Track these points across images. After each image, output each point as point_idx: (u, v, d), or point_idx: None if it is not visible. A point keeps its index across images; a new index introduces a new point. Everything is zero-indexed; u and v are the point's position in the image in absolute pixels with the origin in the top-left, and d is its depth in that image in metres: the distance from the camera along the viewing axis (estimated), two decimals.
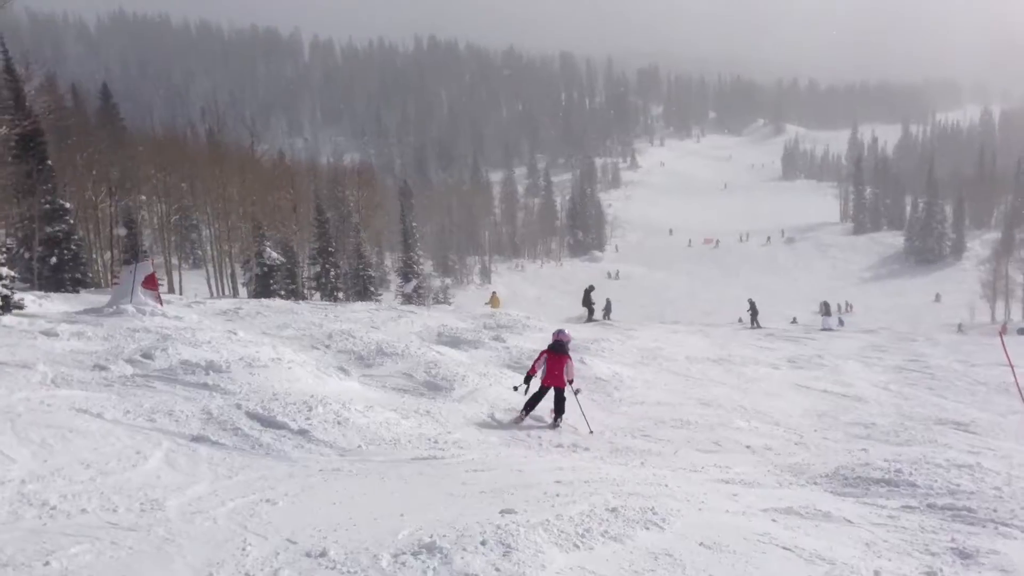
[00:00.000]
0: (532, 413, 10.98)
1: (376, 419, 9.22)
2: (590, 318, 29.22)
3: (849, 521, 6.42)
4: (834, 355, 20.98)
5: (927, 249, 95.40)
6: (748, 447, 10.37)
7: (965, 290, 73.00)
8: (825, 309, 38.47)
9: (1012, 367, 10.23)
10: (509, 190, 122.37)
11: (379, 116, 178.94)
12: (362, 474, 7.22)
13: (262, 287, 38.89)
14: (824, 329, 34.58)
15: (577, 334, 20.41)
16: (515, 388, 11.31)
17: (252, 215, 43.56)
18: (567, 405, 11.06)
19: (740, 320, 47.79)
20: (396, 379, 12.85)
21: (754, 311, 35.84)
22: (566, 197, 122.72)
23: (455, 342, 17.33)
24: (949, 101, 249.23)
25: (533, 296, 78.05)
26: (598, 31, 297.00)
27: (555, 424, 10.86)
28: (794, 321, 53.69)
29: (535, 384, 11.13)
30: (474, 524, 5.46)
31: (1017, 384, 10.10)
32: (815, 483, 8.13)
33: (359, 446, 8.25)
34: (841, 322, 48.04)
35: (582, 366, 15.80)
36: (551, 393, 11.07)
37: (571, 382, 11.12)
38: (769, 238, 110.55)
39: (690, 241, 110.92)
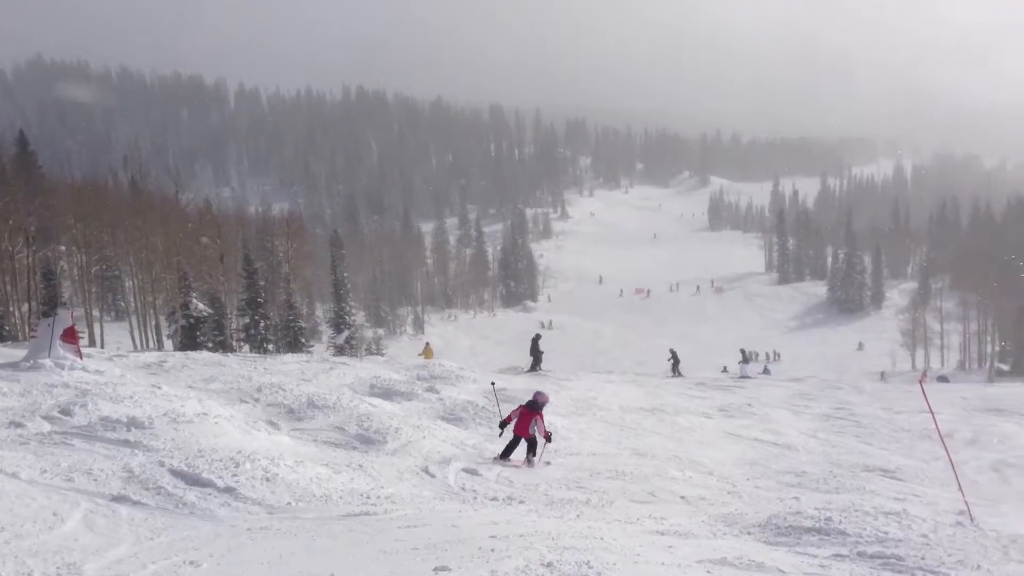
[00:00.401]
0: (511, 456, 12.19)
1: (307, 475, 8.99)
2: (535, 367, 28.98)
3: (782, 571, 6.42)
4: (764, 404, 21.30)
5: (849, 299, 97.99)
6: (682, 497, 10.39)
7: (886, 339, 75.06)
8: (743, 357, 38.85)
9: (933, 414, 10.46)
10: (441, 240, 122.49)
11: (307, 165, 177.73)
12: (292, 532, 7.00)
13: (188, 339, 37.94)
14: (742, 377, 34.98)
15: (511, 384, 20.41)
16: (500, 434, 12.84)
17: (177, 265, 42.66)
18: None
19: (724, 369, 48.27)
20: (328, 433, 12.59)
21: (675, 360, 36.18)
22: (498, 247, 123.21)
23: (388, 394, 17.11)
24: (864, 156, 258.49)
25: (466, 346, 77.85)
26: (526, 83, 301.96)
27: (529, 463, 12.04)
28: (724, 370, 54.44)
29: (508, 432, 12.45)
30: None
31: (938, 430, 10.33)
32: (748, 533, 8.15)
33: (289, 503, 8.02)
34: (767, 371, 48.90)
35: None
36: (524, 442, 12.34)
37: (534, 436, 12.25)
38: (699, 287, 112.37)
39: (621, 291, 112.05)
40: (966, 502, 9.10)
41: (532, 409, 12.32)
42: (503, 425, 12.47)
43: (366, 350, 54.12)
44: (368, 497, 8.65)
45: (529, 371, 28.39)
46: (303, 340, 45.30)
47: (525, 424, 12.21)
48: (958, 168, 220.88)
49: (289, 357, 25.38)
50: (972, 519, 8.67)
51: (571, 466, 12.29)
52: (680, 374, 32.62)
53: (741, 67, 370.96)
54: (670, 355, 36.76)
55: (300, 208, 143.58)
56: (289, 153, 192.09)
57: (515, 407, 12.81)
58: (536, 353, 29.16)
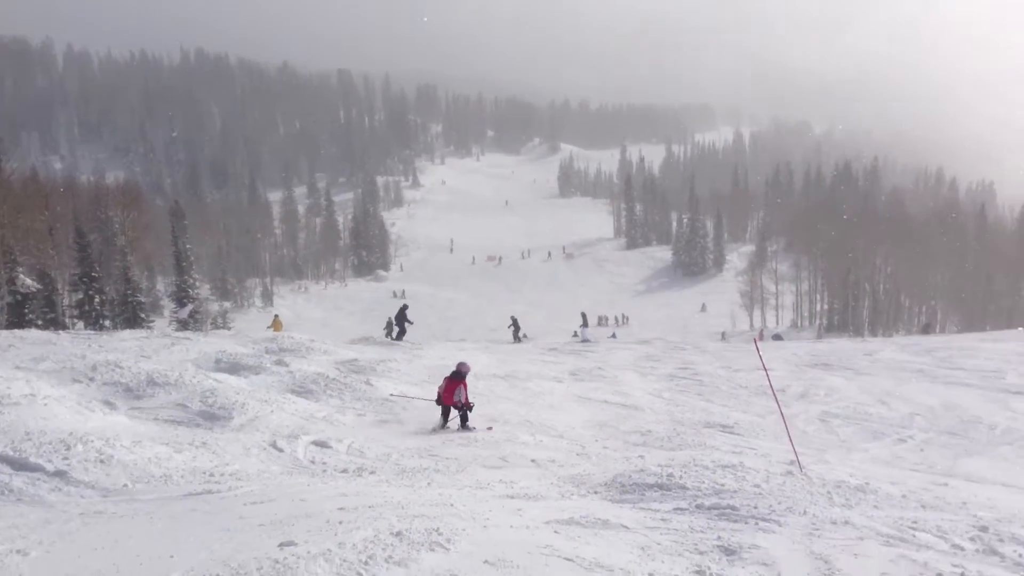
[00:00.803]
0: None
1: (145, 455, 8.64)
2: (400, 337, 28.80)
3: (626, 527, 6.64)
4: (613, 367, 21.88)
5: (692, 262, 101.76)
6: (533, 461, 10.57)
7: (726, 300, 78.41)
8: (583, 321, 39.88)
9: (766, 371, 11.02)
10: (289, 210, 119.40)
11: (144, 132, 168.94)
12: (128, 515, 6.72)
13: (15, 317, 35.73)
14: (583, 340, 36.00)
15: (363, 356, 20.20)
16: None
17: (1, 239, 39.96)
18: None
19: (575, 334, 48.74)
20: (169, 411, 12.13)
21: (516, 327, 36.97)
22: (348, 216, 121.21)
23: (234, 368, 16.62)
24: (706, 123, 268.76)
25: (318, 318, 76.45)
26: (375, 49, 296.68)
27: (464, 427, 13.06)
28: (575, 335, 55.70)
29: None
30: (251, 560, 5.19)
31: (771, 386, 10.89)
32: (595, 492, 8.37)
33: (125, 485, 7.69)
34: (614, 335, 50.16)
35: (368, 387, 15.65)
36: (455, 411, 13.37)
37: (460, 403, 13.18)
38: (550, 254, 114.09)
39: (474, 258, 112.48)
40: (796, 452, 9.63)
41: (456, 379, 13.27)
42: (439, 400, 13.41)
43: (212, 324, 52.43)
44: (212, 475, 8.40)
45: (395, 339, 28.23)
46: (143, 316, 43.50)
47: (450, 393, 13.16)
48: (792, 134, 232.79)
49: (127, 333, 24.28)
50: (801, 468, 9.18)
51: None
52: (521, 339, 32.68)
53: (590, 35, 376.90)
54: (511, 322, 37.49)
55: (137, 177, 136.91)
56: (124, 120, 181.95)
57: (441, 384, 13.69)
58: (402, 323, 29.06)
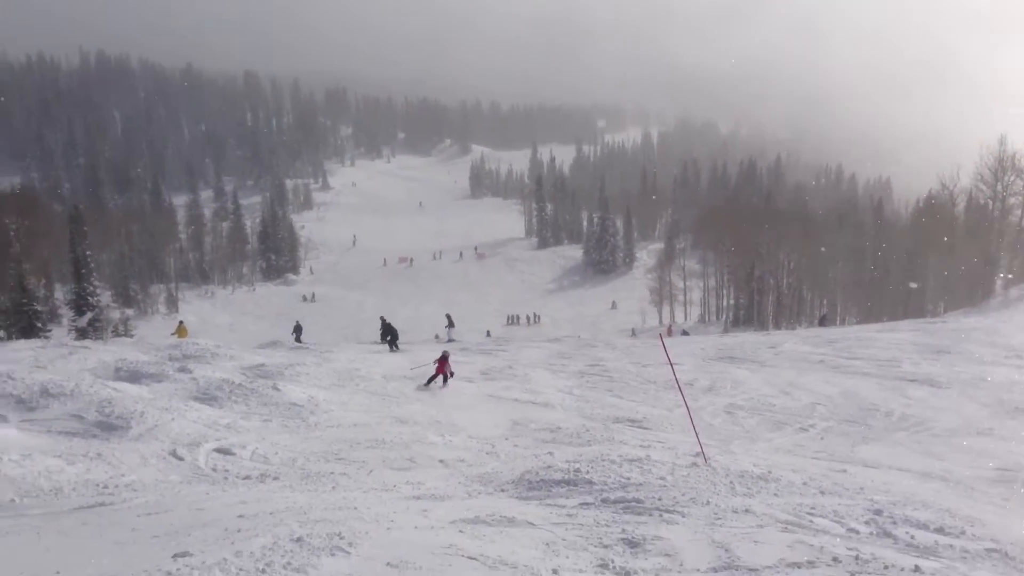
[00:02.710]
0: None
1: (35, 468, 8.28)
2: (393, 345, 28.21)
3: (532, 523, 6.63)
4: (524, 365, 21.96)
5: (603, 261, 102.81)
6: (441, 461, 10.50)
7: (636, 297, 79.50)
8: (449, 322, 39.79)
9: (672, 365, 11.17)
10: (195, 214, 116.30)
11: (41, 136, 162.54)
12: (14, 531, 6.41)
13: None
14: (449, 340, 36.17)
15: (270, 360, 19.80)
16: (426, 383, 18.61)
17: None
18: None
19: (436, 336, 48.74)
20: (64, 422, 11.67)
21: (451, 324, 37.10)
22: (257, 220, 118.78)
23: (135, 377, 16.10)
24: (616, 123, 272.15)
25: (225, 323, 74.78)
26: (282, 51, 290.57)
27: (444, 385, 18.53)
28: (488, 334, 55.74)
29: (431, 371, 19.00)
30: (141, 573, 4.99)
31: (677, 380, 11.05)
32: (503, 490, 8.35)
33: (12, 500, 7.35)
34: (488, 334, 49.57)
35: (275, 392, 15.32)
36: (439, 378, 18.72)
37: (451, 373, 19.08)
38: (461, 254, 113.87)
39: (385, 260, 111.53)
40: (701, 444, 9.78)
41: (444, 359, 19.08)
42: (431, 380, 18.58)
43: (112, 332, 50.72)
44: (106, 487, 8.09)
45: (392, 351, 27.52)
46: (39, 324, 41.81)
47: (442, 367, 18.80)
48: (699, 134, 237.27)
49: (21, 343, 23.31)
50: (706, 459, 9.32)
51: (331, 438, 12.09)
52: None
53: (499, 36, 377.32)
54: (447, 320, 37.98)
55: (34, 183, 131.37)
56: (20, 124, 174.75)
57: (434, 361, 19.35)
58: (390, 332, 28.61)
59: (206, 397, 14.67)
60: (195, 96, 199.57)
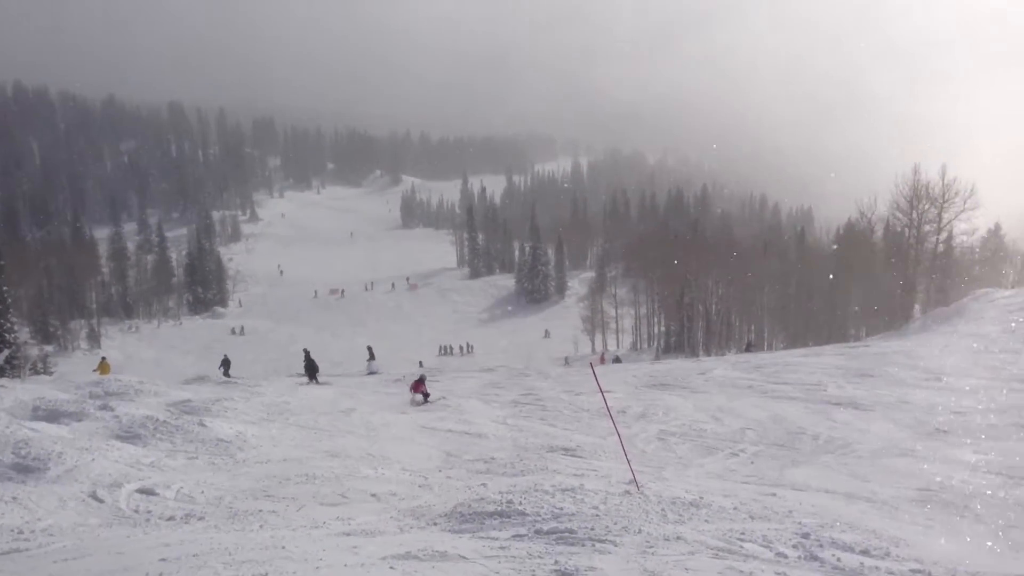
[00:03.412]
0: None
1: None
2: (313, 377, 28.05)
3: (464, 557, 6.54)
4: (457, 395, 21.87)
5: (535, 290, 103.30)
6: (373, 495, 10.33)
7: (569, 325, 79.93)
8: (370, 354, 39.64)
9: (603, 393, 11.21)
10: (118, 247, 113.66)
11: None
12: None
13: None
14: (370, 373, 36.10)
15: (197, 396, 19.33)
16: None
17: None
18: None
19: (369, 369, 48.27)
20: None
21: (371, 356, 37.20)
22: (183, 252, 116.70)
23: (53, 416, 15.52)
24: (546, 153, 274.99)
25: (151, 358, 73.00)
26: (208, 81, 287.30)
27: (426, 401, 20.81)
28: (421, 365, 55.38)
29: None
30: None
31: (607, 408, 11.10)
32: (435, 523, 8.25)
33: None
34: (421, 363, 49.10)
35: (202, 429, 14.93)
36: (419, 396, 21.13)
37: (427, 394, 21.16)
38: (393, 285, 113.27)
39: (316, 292, 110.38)
40: (633, 472, 9.81)
41: (421, 381, 21.69)
42: (413, 391, 21.39)
43: (31, 370, 49.11)
44: (20, 532, 7.75)
45: (312, 383, 27.27)
46: None
47: (419, 387, 21.34)
48: (627, 164, 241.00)
49: None
50: (639, 487, 9.35)
51: (260, 475, 11.80)
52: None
53: (428, 67, 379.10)
54: (368, 353, 37.78)
55: None
56: None
57: (411, 383, 22.27)
58: (310, 366, 28.52)
59: (129, 435, 14.21)
60: (117, 127, 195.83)
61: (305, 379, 28.44)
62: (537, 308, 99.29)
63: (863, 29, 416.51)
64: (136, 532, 8.14)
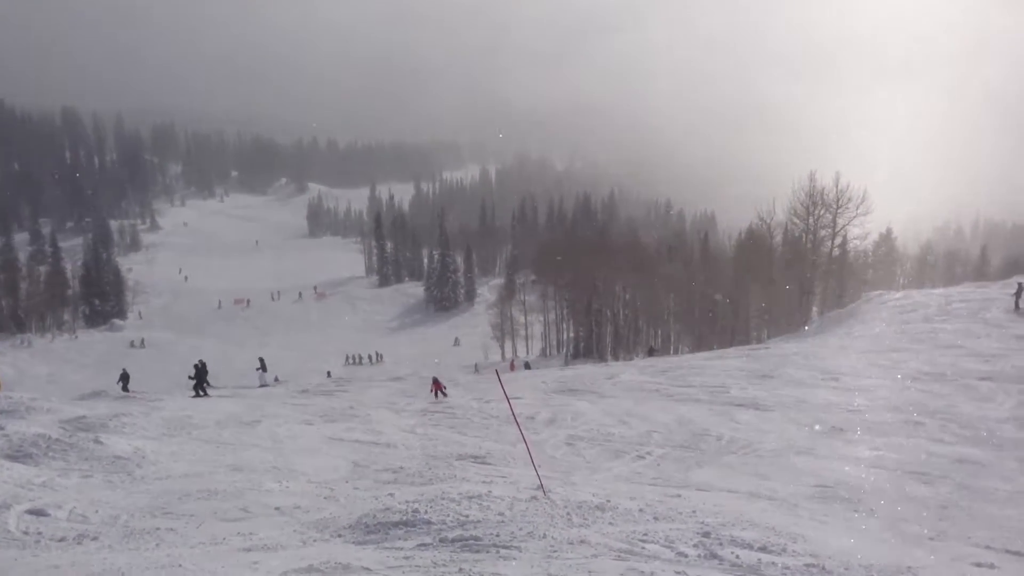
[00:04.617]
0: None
1: None
2: (199, 389, 27.28)
3: (368, 569, 6.46)
4: (365, 405, 21.65)
5: (444, 297, 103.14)
6: (277, 508, 10.11)
7: (479, 333, 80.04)
8: (261, 365, 39.14)
9: (508, 400, 11.24)
10: (8, 258, 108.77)
11: None
12: None
13: None
14: (262, 385, 35.73)
15: (93, 412, 18.65)
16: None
17: None
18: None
19: (276, 379, 47.31)
20: None
21: (263, 367, 37.01)
22: (78, 263, 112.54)
23: None
24: (454, 161, 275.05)
25: (44, 374, 70.14)
26: (104, 86, 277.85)
27: (445, 396, 23.09)
28: (329, 375, 54.61)
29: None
30: None
31: (513, 414, 11.14)
32: (339, 535, 8.12)
33: None
34: (276, 379, 48.27)
35: (97, 446, 14.40)
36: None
37: (443, 390, 23.58)
38: (301, 294, 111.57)
39: (220, 303, 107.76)
40: (540, 477, 9.85)
41: (437, 381, 23.84)
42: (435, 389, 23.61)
43: None
44: None
45: (196, 396, 26.57)
46: None
47: (438, 387, 23.46)
48: (535, 170, 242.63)
49: None
50: (546, 492, 9.39)
51: (158, 491, 11.43)
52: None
53: (334, 74, 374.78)
54: (259, 364, 37.45)
55: None
56: None
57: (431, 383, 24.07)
58: (200, 376, 27.87)
59: (19, 454, 13.62)
60: (7, 134, 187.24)
61: (192, 392, 27.88)
62: (446, 316, 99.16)
63: (758, 40, 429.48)
64: (24, 555, 7.78)
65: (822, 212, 59.79)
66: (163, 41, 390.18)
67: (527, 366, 55.40)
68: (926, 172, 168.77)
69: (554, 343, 79.83)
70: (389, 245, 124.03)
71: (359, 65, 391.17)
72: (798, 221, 61.73)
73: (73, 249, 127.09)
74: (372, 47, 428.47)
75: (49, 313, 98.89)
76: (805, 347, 29.16)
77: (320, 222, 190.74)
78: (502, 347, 77.45)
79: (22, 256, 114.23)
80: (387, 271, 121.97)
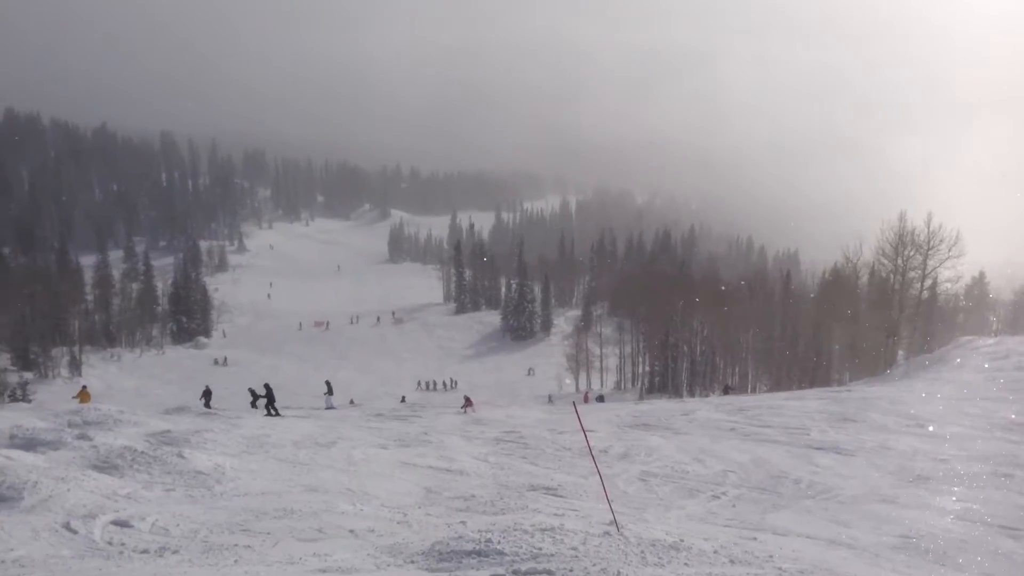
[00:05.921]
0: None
1: None
2: (272, 410, 28.13)
3: None
4: (439, 431, 21.74)
5: (520, 327, 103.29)
6: (351, 531, 10.21)
7: (554, 363, 79.93)
8: (328, 389, 39.64)
9: (584, 432, 11.18)
10: (103, 274, 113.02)
11: None
12: None
13: None
14: (328, 408, 36.24)
15: (177, 426, 19.17)
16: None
17: None
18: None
19: (351, 402, 48.12)
20: None
21: (330, 391, 37.88)
22: (168, 281, 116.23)
23: (30, 444, 15.35)
24: (534, 191, 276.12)
25: (132, 387, 72.44)
26: (201, 111, 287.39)
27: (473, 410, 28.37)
28: (403, 400, 55.15)
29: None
30: None
31: (589, 447, 11.07)
32: (412, 561, 8.15)
33: None
34: (352, 402, 49.46)
35: (180, 460, 14.78)
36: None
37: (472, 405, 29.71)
38: (379, 319, 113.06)
39: (300, 324, 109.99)
40: (613, 513, 9.76)
41: (469, 400, 33.20)
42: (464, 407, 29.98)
43: (10, 397, 48.72)
44: None
45: (267, 415, 27.41)
46: None
47: (471, 403, 31.37)
48: (614, 203, 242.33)
49: None
50: (619, 528, 9.29)
51: (237, 508, 11.66)
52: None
53: (421, 101, 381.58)
54: (326, 388, 38.84)
55: None
56: None
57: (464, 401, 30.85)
58: (268, 396, 28.69)
59: (106, 466, 14.05)
60: (108, 156, 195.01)
61: (265, 411, 28.53)
62: (522, 345, 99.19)
63: (840, 79, 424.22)
64: (109, 565, 8.02)
65: (912, 253, 58.25)
66: (257, 69, 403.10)
67: (600, 399, 55.11)
68: (1022, 214, 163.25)
69: (628, 376, 79.20)
70: (468, 273, 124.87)
71: (443, 95, 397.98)
72: (886, 261, 60.22)
73: (164, 268, 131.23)
74: (457, 78, 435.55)
75: (139, 328, 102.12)
76: (890, 391, 28.34)
77: (401, 248, 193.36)
78: (576, 378, 77.15)
79: (116, 273, 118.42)
80: (464, 298, 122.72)
